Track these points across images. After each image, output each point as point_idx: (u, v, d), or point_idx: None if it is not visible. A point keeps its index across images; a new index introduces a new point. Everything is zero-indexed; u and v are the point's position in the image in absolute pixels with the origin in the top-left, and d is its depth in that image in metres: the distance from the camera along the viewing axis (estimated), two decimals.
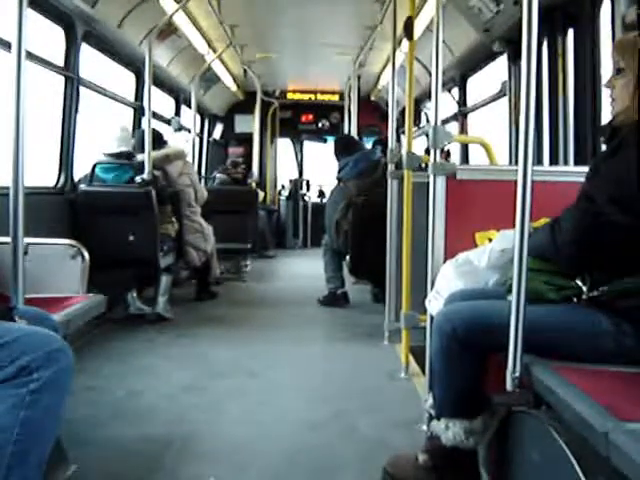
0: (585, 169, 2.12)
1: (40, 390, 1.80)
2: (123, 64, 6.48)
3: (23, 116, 2.42)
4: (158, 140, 5.71)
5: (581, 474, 1.60)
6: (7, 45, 2.59)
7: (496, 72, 5.85)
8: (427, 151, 4.65)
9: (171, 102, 8.57)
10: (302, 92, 11.75)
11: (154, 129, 5.59)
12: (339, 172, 6.39)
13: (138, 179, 5.16)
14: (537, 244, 2.04)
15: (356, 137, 7.53)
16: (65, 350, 1.91)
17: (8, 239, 2.47)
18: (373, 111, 11.21)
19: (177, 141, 7.59)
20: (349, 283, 6.96)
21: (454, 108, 7.07)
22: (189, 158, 7.12)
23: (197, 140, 9.42)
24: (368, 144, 8.89)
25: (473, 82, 6.75)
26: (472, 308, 2.21)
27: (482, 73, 6.42)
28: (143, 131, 5.52)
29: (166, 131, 7.05)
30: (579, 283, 2.05)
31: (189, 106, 8.23)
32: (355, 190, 5.87)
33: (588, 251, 1.98)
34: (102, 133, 5.69)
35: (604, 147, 2.24)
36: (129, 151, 5.35)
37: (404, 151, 4.03)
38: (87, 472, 2.53)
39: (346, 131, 9.62)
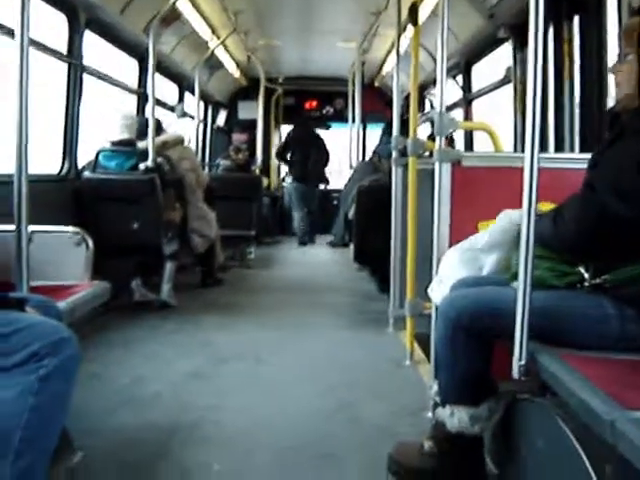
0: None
1: (48, 377, 1.82)
2: (126, 51, 6.45)
3: (26, 103, 2.42)
4: (157, 127, 5.69)
5: (587, 462, 1.60)
6: (10, 33, 2.58)
7: (500, 59, 5.82)
8: (430, 137, 4.62)
9: (174, 89, 8.54)
10: (306, 78, 11.69)
11: None
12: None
13: (142, 166, 5.16)
14: (540, 233, 2.03)
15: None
16: (72, 339, 1.93)
17: (12, 227, 2.47)
18: (377, 97, 11.16)
19: (182, 128, 7.58)
20: (354, 270, 7.02)
21: (459, 94, 7.04)
22: (192, 145, 7.11)
23: (201, 127, 9.39)
24: (373, 130, 8.97)
25: (478, 68, 6.72)
26: (477, 295, 2.21)
27: (487, 59, 6.38)
28: (143, 118, 5.51)
29: (170, 118, 7.05)
30: (582, 270, 2.05)
31: (192, 93, 8.22)
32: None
33: (591, 241, 1.96)
34: (105, 120, 5.69)
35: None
36: (131, 138, 5.34)
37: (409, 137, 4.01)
38: (93, 459, 2.52)
39: (350, 117, 9.58)
